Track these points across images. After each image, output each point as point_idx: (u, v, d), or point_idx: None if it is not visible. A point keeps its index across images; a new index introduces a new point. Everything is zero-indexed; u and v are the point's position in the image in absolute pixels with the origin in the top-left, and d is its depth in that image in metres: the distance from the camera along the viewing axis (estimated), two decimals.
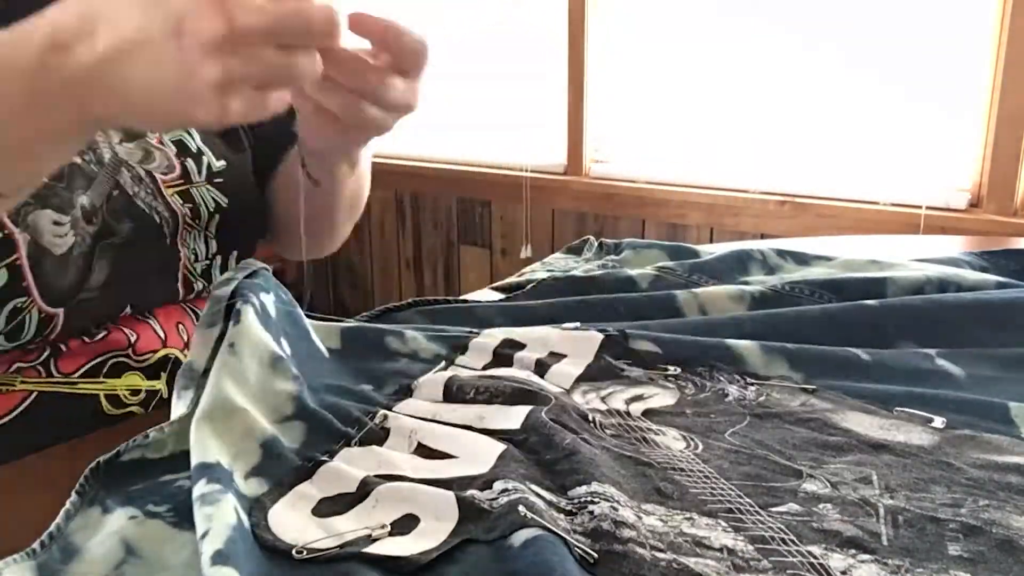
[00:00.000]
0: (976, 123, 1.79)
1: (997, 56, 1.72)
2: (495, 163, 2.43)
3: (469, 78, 2.44)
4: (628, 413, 0.59)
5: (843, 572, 0.41)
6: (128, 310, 0.69)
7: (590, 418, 0.57)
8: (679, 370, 0.65)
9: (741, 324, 0.71)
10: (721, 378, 0.64)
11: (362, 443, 0.54)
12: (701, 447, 0.53)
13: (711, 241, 2.04)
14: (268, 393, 0.55)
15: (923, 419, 0.56)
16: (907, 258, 0.86)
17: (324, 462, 0.51)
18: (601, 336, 0.68)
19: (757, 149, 2.03)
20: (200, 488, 0.45)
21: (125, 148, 0.70)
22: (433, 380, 0.62)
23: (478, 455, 0.51)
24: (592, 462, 0.49)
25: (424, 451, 0.53)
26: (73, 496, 0.48)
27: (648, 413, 0.59)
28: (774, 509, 0.46)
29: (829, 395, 0.60)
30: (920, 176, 1.85)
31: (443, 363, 0.67)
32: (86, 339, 0.67)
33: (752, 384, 0.63)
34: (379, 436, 0.55)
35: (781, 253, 0.90)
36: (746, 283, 0.82)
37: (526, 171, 2.34)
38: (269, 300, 0.62)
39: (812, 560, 0.41)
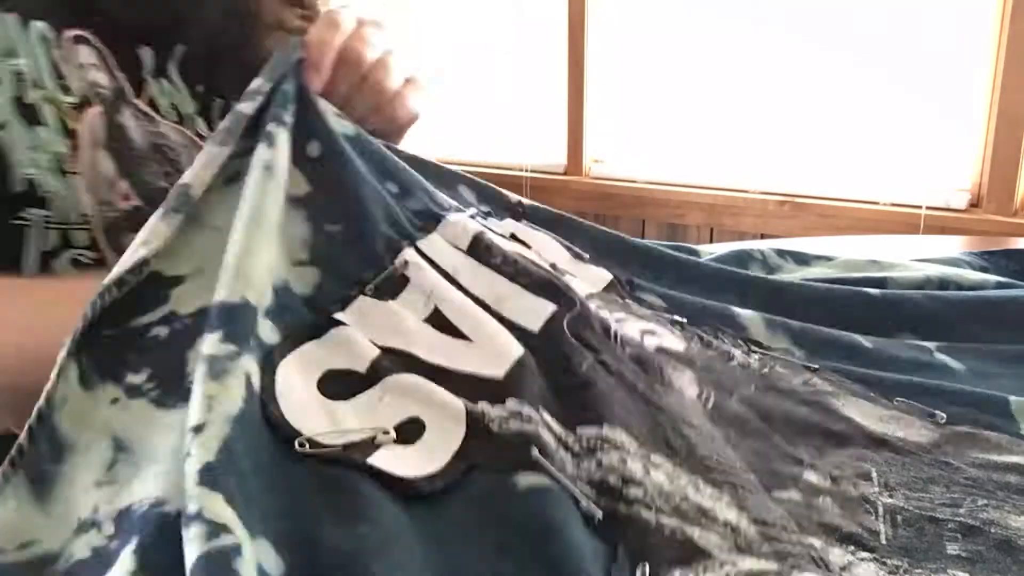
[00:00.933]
0: (976, 123, 1.79)
1: (997, 56, 1.72)
2: (495, 163, 2.43)
3: (469, 78, 2.44)
4: (642, 345, 0.57)
5: (843, 568, 0.41)
6: None
7: (612, 331, 0.54)
8: (685, 320, 0.64)
9: (744, 291, 0.70)
10: (725, 340, 0.63)
11: (377, 291, 0.51)
12: (713, 401, 0.52)
13: (711, 241, 2.04)
14: (285, 235, 0.51)
15: (923, 412, 0.56)
16: (907, 258, 0.86)
17: (336, 322, 0.49)
18: (610, 276, 0.65)
19: (757, 149, 2.03)
20: (211, 345, 0.41)
21: None
22: (463, 224, 0.58)
23: (494, 350, 0.49)
24: (605, 398, 0.47)
25: (439, 319, 0.51)
26: (62, 356, 0.43)
27: (661, 351, 0.57)
28: (776, 493, 0.46)
29: (831, 377, 0.59)
30: (920, 176, 1.85)
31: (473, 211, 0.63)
32: None
33: (755, 352, 0.62)
34: (395, 287, 0.52)
35: (781, 253, 0.90)
36: None
37: (526, 171, 2.34)
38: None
39: (812, 552, 0.41)
